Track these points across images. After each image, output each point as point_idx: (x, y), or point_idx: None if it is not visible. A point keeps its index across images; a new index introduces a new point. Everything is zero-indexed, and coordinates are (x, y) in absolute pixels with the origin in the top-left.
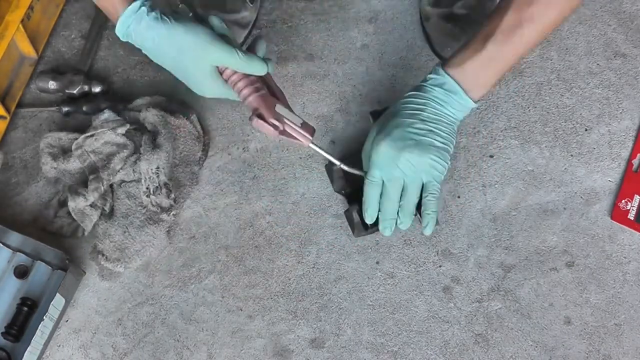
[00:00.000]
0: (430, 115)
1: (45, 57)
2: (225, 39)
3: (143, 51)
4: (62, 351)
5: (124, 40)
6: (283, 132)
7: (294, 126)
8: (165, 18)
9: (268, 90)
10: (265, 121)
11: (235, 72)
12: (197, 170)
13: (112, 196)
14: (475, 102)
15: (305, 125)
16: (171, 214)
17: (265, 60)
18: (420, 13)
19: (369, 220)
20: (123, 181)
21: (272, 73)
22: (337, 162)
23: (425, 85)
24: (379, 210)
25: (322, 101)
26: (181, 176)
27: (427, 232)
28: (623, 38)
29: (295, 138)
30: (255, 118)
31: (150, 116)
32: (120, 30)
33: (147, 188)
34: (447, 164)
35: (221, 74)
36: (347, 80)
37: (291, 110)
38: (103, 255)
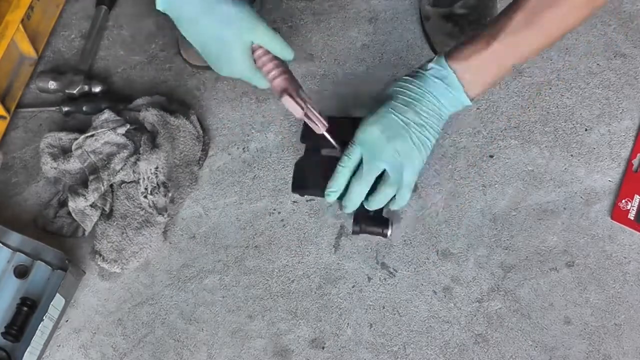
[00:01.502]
0: (425, 108)
1: (45, 57)
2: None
3: (176, 23)
4: (62, 351)
5: (161, 8)
6: (306, 114)
7: (314, 111)
8: None
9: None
10: (294, 100)
11: (267, 53)
12: (197, 170)
13: (112, 196)
14: (471, 100)
15: (322, 115)
16: (166, 215)
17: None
18: (420, 13)
19: (330, 198)
20: (123, 182)
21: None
22: (338, 148)
23: (425, 75)
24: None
25: (322, 101)
26: (181, 176)
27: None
28: (623, 38)
29: (314, 123)
30: (286, 95)
31: (150, 116)
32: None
33: (145, 188)
34: (426, 158)
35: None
36: (347, 80)
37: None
38: (100, 255)
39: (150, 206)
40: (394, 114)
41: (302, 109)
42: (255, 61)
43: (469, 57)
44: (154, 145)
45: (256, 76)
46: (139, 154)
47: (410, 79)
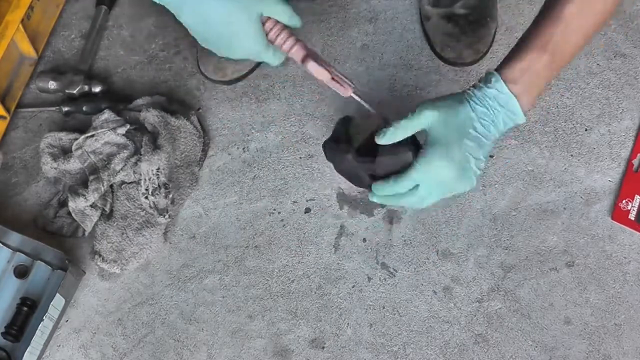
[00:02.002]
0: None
1: (45, 57)
2: None
3: (177, 12)
4: (62, 351)
5: (157, 0)
6: (332, 78)
7: (339, 74)
8: None
9: None
10: (318, 63)
11: (277, 23)
12: (198, 171)
13: (112, 197)
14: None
15: (347, 77)
16: (167, 215)
17: None
18: (420, 13)
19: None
20: (123, 182)
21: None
22: (371, 109)
23: (490, 103)
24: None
25: (323, 101)
26: (181, 177)
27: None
28: (623, 38)
29: (341, 85)
30: (311, 60)
31: (151, 117)
32: None
33: (146, 189)
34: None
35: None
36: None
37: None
38: (100, 255)
39: (151, 207)
40: (471, 167)
41: (329, 72)
42: (266, 34)
43: (523, 75)
44: (155, 146)
45: (269, 50)
46: (140, 154)
47: (487, 115)
